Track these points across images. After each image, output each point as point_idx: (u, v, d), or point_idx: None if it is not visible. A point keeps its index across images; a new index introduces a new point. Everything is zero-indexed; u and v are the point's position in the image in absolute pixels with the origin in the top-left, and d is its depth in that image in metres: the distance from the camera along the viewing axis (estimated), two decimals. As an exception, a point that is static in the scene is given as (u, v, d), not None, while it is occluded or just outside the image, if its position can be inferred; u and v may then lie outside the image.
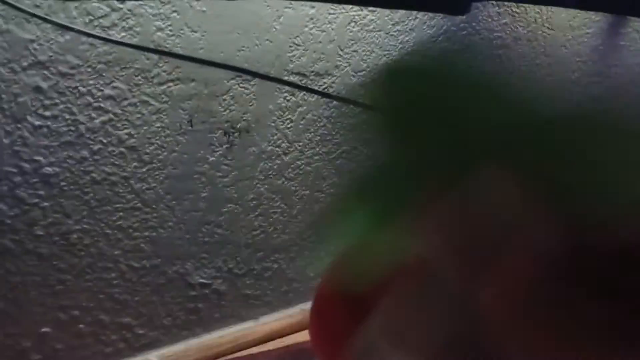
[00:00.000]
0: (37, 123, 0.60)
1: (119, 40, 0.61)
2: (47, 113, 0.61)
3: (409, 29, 0.89)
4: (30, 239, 0.63)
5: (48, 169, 0.62)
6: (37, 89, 0.60)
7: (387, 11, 0.86)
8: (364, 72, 0.86)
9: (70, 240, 0.65)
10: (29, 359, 0.65)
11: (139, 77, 0.66)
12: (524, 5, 1.06)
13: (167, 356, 0.75)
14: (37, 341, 0.65)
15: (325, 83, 0.82)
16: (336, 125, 0.85)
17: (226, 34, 0.71)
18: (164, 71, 0.67)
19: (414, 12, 0.89)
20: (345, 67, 0.83)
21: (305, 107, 0.81)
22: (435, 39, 0.93)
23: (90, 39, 0.61)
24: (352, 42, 0.83)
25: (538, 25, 1.06)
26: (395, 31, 0.87)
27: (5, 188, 0.60)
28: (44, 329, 0.66)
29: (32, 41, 0.58)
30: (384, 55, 0.87)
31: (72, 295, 0.67)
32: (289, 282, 0.88)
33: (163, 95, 0.68)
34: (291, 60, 0.77)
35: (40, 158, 0.61)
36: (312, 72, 0.80)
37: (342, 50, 0.82)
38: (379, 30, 0.85)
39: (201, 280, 0.78)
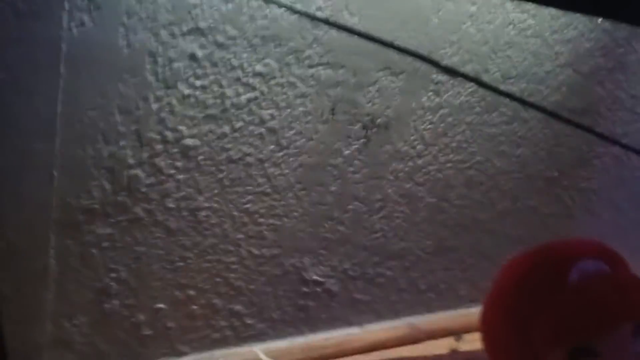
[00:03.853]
0: (187, 92, 0.58)
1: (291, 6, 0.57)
2: (198, 83, 0.58)
3: (566, 39, 0.81)
4: (162, 210, 0.60)
5: (189, 141, 0.60)
6: (192, 57, 0.57)
7: (548, 17, 0.78)
8: (513, 79, 0.79)
9: (198, 217, 0.63)
10: (141, 333, 0.63)
11: (291, 57, 0.62)
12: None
13: (271, 351, 0.71)
14: (151, 316, 0.63)
15: (470, 88, 0.76)
16: (475, 133, 0.79)
17: (383, 21, 0.66)
18: (317, 53, 0.63)
19: (575, 22, 0.81)
20: (495, 72, 0.77)
21: (447, 110, 0.75)
22: (591, 54, 0.85)
23: (251, 11, 0.58)
24: (507, 46, 0.76)
25: None
26: (552, 40, 0.80)
27: (146, 155, 0.58)
28: (159, 305, 0.63)
29: (196, 6, 0.56)
30: (536, 65, 0.80)
31: (190, 274, 0.64)
32: (400, 292, 0.82)
33: (311, 79, 0.64)
34: (442, 58, 0.72)
35: (183, 128, 0.59)
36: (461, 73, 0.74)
37: (495, 53, 0.76)
38: (536, 37, 0.78)
39: (315, 277, 0.74)
